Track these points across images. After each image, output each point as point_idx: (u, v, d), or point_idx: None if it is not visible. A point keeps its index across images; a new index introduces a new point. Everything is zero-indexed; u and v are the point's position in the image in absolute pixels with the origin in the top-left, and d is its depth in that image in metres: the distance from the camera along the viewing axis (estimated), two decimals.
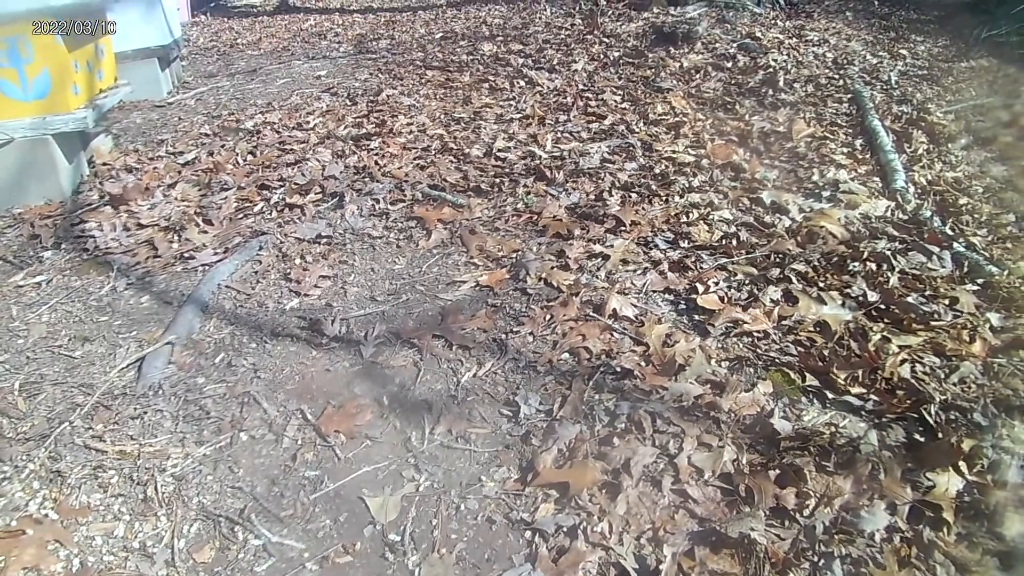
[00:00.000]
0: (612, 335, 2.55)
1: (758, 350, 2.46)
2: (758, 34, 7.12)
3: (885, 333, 2.50)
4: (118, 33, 4.79)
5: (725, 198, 3.52)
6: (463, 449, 2.14)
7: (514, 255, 3.09)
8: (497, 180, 3.79)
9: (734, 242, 3.09)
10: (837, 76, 5.74)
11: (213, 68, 7.17)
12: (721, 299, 2.70)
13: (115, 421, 2.28)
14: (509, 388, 2.35)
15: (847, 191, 3.56)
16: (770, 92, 5.21)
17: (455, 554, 1.83)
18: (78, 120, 3.74)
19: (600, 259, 3.01)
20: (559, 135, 4.47)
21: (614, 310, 2.64)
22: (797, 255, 2.95)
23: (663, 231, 3.22)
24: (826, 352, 2.41)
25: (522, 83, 5.71)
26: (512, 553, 1.82)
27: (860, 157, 4.06)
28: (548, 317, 2.65)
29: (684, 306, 2.73)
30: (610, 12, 8.45)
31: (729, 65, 6.03)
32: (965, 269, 2.90)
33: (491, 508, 1.95)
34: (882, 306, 2.64)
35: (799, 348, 2.46)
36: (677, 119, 4.65)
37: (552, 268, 2.95)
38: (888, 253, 2.94)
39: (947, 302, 2.68)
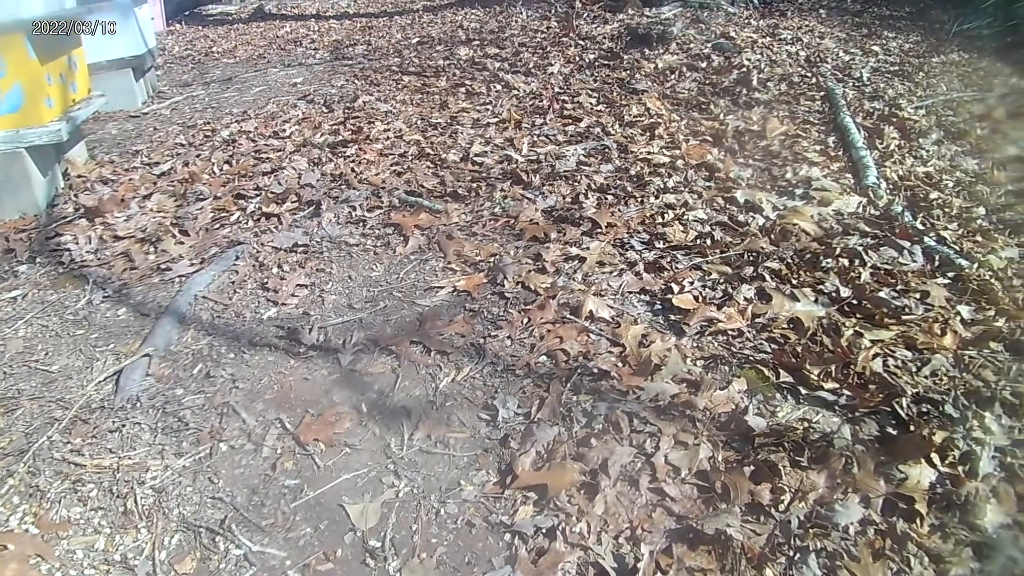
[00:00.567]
0: (589, 337, 2.57)
1: (732, 348, 2.49)
2: (732, 33, 7.19)
3: (857, 328, 2.53)
4: (92, 44, 4.78)
5: (700, 198, 3.55)
6: (442, 454, 2.15)
7: (491, 259, 3.11)
8: (474, 185, 3.81)
9: (708, 241, 3.12)
10: (810, 74, 5.80)
11: (188, 77, 7.15)
12: (696, 298, 2.73)
13: (93, 435, 2.27)
14: (487, 392, 2.37)
15: (820, 188, 3.60)
16: (744, 91, 5.26)
17: (435, 558, 1.84)
18: (52, 133, 3.72)
19: (577, 261, 3.04)
20: (535, 138, 4.49)
21: (591, 312, 2.66)
22: (771, 253, 2.98)
23: (638, 232, 3.25)
24: (799, 348, 2.44)
25: (498, 87, 5.73)
26: (492, 556, 1.84)
27: (833, 154, 4.11)
28: (526, 320, 2.67)
29: (660, 306, 2.75)
30: (585, 14, 8.48)
31: (703, 65, 6.08)
32: (936, 263, 2.95)
33: (471, 512, 1.96)
34: (854, 301, 2.68)
35: (773, 345, 2.49)
36: (652, 120, 4.68)
37: (529, 271, 2.97)
38: (860, 249, 2.98)
39: (918, 296, 2.72)
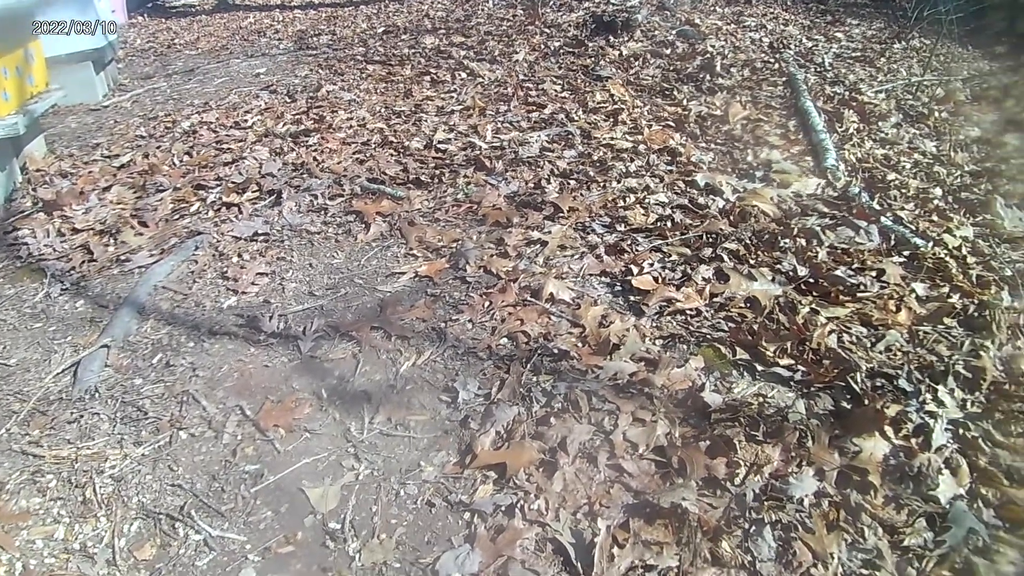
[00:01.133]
0: (550, 318, 2.58)
1: (691, 327, 2.52)
2: (697, 21, 7.23)
3: (813, 306, 2.57)
4: (50, 37, 4.70)
5: (661, 182, 3.57)
6: (402, 436, 2.15)
7: (454, 245, 3.11)
8: (437, 172, 3.80)
9: (669, 224, 3.15)
10: (773, 60, 5.85)
11: (150, 69, 7.04)
12: (655, 280, 2.75)
13: (52, 426, 2.25)
14: (448, 375, 2.37)
15: (780, 171, 3.65)
16: (707, 77, 5.29)
17: (395, 538, 1.85)
18: (8, 126, 3.66)
19: (538, 245, 3.05)
20: (499, 125, 4.49)
21: (551, 294, 2.68)
22: (729, 234, 3.01)
23: (600, 216, 3.26)
24: (756, 326, 2.47)
25: (463, 75, 5.72)
26: (451, 535, 1.85)
27: (793, 137, 4.16)
28: (487, 304, 2.68)
29: (620, 288, 2.77)
30: (552, 2, 8.48)
31: (668, 52, 6.10)
32: (892, 242, 3.00)
33: (430, 492, 1.97)
34: (811, 280, 2.71)
35: (730, 324, 2.52)
36: (616, 106, 4.70)
37: (491, 256, 2.98)
38: (817, 229, 3.02)
39: (874, 274, 2.77)
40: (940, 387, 2.21)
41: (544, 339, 2.47)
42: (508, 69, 5.84)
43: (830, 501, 1.87)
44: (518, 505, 1.88)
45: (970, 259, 2.88)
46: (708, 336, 2.46)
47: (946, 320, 2.54)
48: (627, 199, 3.38)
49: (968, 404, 2.18)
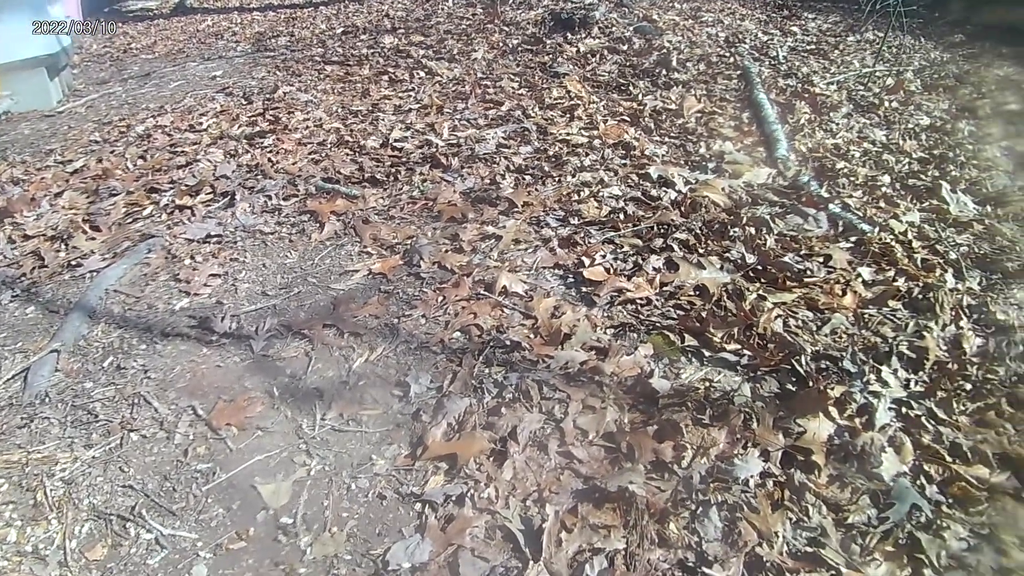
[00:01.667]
0: (503, 311, 2.61)
1: (641, 316, 2.55)
2: (655, 16, 7.28)
3: (761, 292, 2.61)
4: (1, 44, 4.64)
5: (615, 175, 3.61)
6: (354, 431, 2.16)
7: (408, 241, 3.12)
8: (393, 170, 3.80)
9: (621, 216, 3.18)
10: (728, 54, 5.91)
11: (106, 74, 6.95)
12: (607, 271, 2.78)
13: (1, 431, 2.24)
14: (401, 370, 2.39)
15: (732, 161, 3.70)
16: (663, 72, 5.33)
17: (346, 531, 1.86)
18: None
19: (493, 240, 3.07)
20: (456, 123, 4.49)
21: (504, 287, 2.70)
22: (680, 225, 3.05)
23: (554, 210, 3.29)
24: (704, 313, 2.51)
25: (422, 74, 5.72)
26: (402, 526, 1.86)
27: (746, 129, 4.21)
28: (441, 299, 2.69)
29: (572, 279, 2.80)
30: (511, 1, 8.50)
31: (625, 48, 6.14)
32: (840, 228, 3.05)
33: (382, 485, 1.98)
34: (759, 267, 2.76)
35: (679, 311, 2.56)
36: (572, 102, 4.72)
37: (446, 251, 3.00)
38: (767, 217, 3.06)
39: (821, 260, 2.82)
40: (884, 368, 2.26)
41: (497, 331, 2.49)
42: (466, 67, 5.85)
43: (775, 481, 1.90)
44: (468, 494, 1.89)
45: (916, 243, 2.93)
46: (657, 324, 2.50)
47: (891, 303, 2.60)
48: (581, 193, 3.41)
49: (912, 384, 2.23)
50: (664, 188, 3.42)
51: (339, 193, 3.56)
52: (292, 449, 2.12)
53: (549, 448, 2.01)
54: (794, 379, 2.23)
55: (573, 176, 3.61)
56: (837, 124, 4.37)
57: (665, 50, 5.91)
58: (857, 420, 2.08)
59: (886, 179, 3.57)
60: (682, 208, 3.20)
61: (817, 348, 2.34)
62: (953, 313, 2.54)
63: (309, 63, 6.45)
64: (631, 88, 5.04)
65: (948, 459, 1.96)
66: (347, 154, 4.07)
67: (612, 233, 3.05)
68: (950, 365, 2.29)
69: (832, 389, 2.14)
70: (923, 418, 2.09)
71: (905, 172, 3.69)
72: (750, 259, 2.79)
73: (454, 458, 2.00)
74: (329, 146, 4.22)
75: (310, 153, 4.11)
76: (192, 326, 2.68)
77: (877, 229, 3.00)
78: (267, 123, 4.65)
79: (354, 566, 1.78)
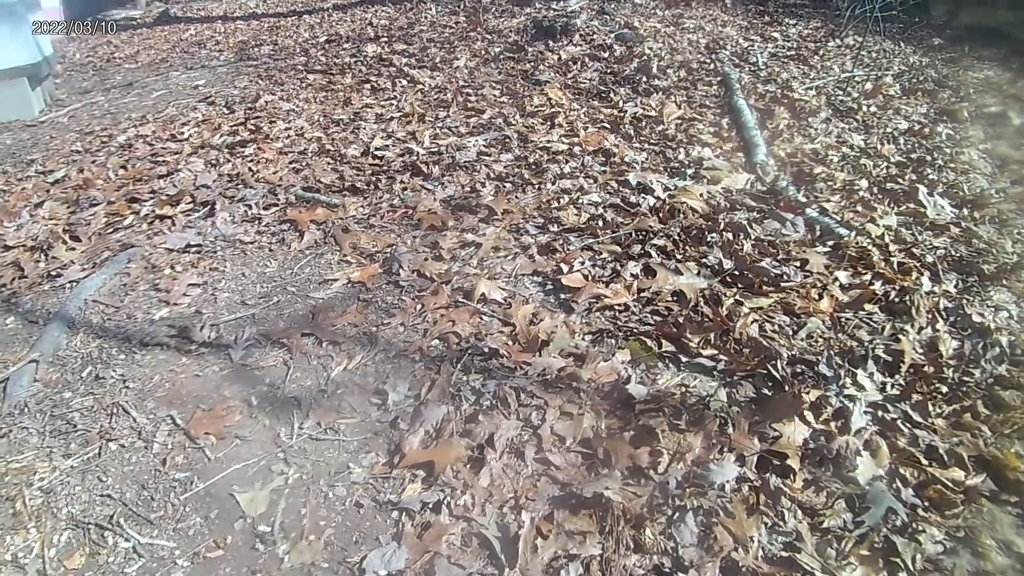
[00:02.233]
0: (481, 319, 2.61)
1: (618, 322, 2.57)
2: (636, 24, 7.32)
3: (738, 297, 2.63)
4: None
5: (595, 182, 3.63)
6: (332, 440, 2.16)
7: (388, 250, 3.12)
8: (374, 178, 3.81)
9: (600, 223, 3.19)
10: (709, 60, 5.96)
11: (88, 84, 6.92)
12: (585, 277, 2.79)
13: None
14: (379, 378, 2.39)
15: (711, 167, 3.72)
16: (644, 79, 5.36)
17: (323, 539, 1.86)
18: None
19: (473, 248, 3.08)
20: (438, 131, 4.51)
21: (483, 294, 2.70)
22: (658, 231, 3.07)
23: (534, 217, 3.30)
24: (681, 319, 2.52)
25: (404, 82, 5.73)
26: (379, 533, 1.86)
27: (726, 135, 4.24)
28: (419, 307, 2.70)
29: (551, 286, 2.81)
30: (493, 9, 8.53)
31: (606, 55, 6.17)
32: (817, 233, 3.08)
33: (359, 493, 1.98)
34: (736, 272, 2.78)
35: (656, 317, 2.57)
36: (553, 110, 4.75)
37: (425, 259, 3.00)
38: (744, 223, 3.09)
39: (798, 264, 2.84)
40: (859, 371, 2.28)
41: (475, 339, 2.50)
42: (449, 75, 5.87)
43: (750, 486, 1.91)
44: (445, 502, 1.90)
45: (893, 247, 2.96)
46: (635, 330, 2.51)
47: (867, 306, 2.62)
48: (561, 200, 3.43)
49: (888, 387, 2.25)
50: (643, 195, 3.43)
51: (319, 202, 3.56)
52: (270, 458, 2.11)
53: (526, 455, 2.02)
54: (770, 383, 2.24)
55: (553, 183, 3.63)
56: (816, 129, 4.41)
57: (646, 57, 5.95)
58: (833, 424, 2.09)
59: (864, 183, 3.61)
60: (660, 214, 3.22)
61: (793, 352, 2.36)
62: (929, 316, 2.56)
63: (291, 72, 6.45)
64: (612, 95, 5.07)
65: (924, 462, 1.98)
66: (328, 163, 4.08)
67: (591, 240, 3.06)
68: (926, 368, 2.31)
69: (808, 393, 2.15)
70: (899, 421, 2.11)
71: (883, 176, 3.73)
72: (727, 264, 2.81)
73: (431, 466, 2.00)
74: (310, 155, 4.22)
75: (291, 162, 4.11)
76: (171, 336, 2.68)
77: (854, 233, 3.03)
78: (248, 132, 4.65)
79: (331, 573, 1.78)
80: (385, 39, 7.56)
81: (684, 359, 2.35)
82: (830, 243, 3.00)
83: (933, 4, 7.76)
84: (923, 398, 2.19)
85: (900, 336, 2.44)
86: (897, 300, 2.64)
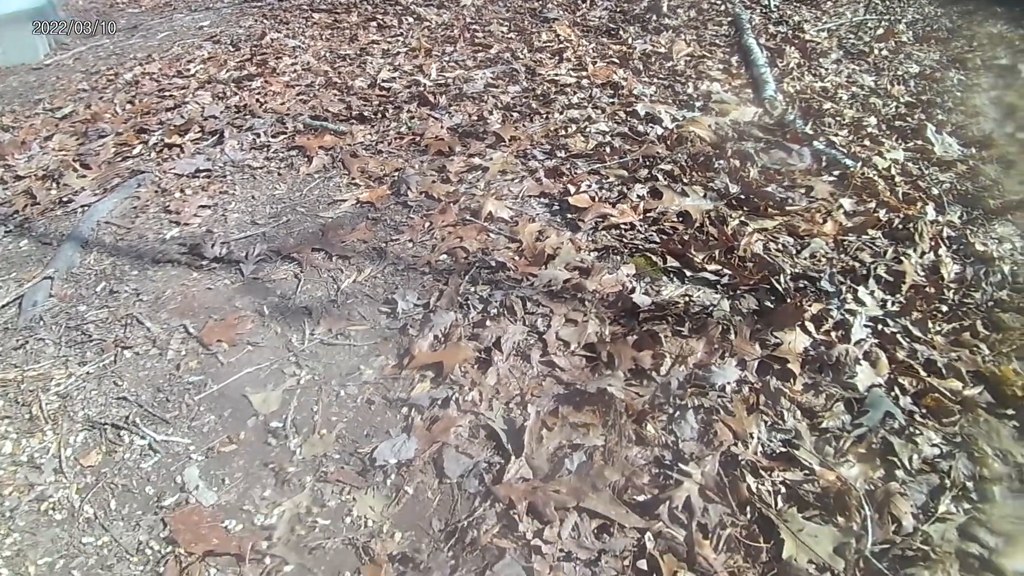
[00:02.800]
0: (488, 235, 2.64)
1: (624, 239, 2.60)
2: None
3: (743, 218, 2.66)
4: None
5: (603, 113, 3.63)
6: (343, 345, 2.21)
7: (396, 173, 3.14)
8: (381, 108, 3.81)
9: (608, 150, 3.21)
10: (720, 2, 5.89)
11: (91, 28, 6.88)
12: (592, 198, 2.82)
13: None
14: (388, 289, 2.43)
15: (719, 101, 3.71)
16: (654, 18, 5.32)
17: (335, 433, 1.92)
18: None
19: (480, 171, 3.10)
20: (444, 64, 4.49)
21: (490, 213, 2.73)
22: (665, 157, 3.09)
23: (541, 144, 3.31)
24: (686, 237, 2.55)
25: (410, 19, 5.68)
26: (389, 427, 1.92)
27: (735, 72, 4.22)
28: (427, 224, 2.73)
29: (557, 207, 2.84)
30: None
31: None
32: (823, 163, 3.08)
33: (370, 392, 2.04)
34: (742, 196, 2.80)
35: (662, 235, 2.60)
36: (561, 45, 4.72)
37: (433, 182, 3.03)
38: (751, 151, 3.09)
39: (803, 191, 2.86)
40: (861, 288, 2.31)
41: (482, 253, 2.53)
42: (455, 13, 5.82)
43: (751, 387, 1.96)
44: (453, 398, 1.96)
45: (898, 179, 2.97)
46: (640, 247, 2.54)
47: (871, 231, 2.64)
48: (568, 129, 3.44)
49: (888, 304, 2.28)
50: (651, 124, 3.44)
51: (327, 130, 3.57)
52: (282, 361, 2.17)
53: (532, 357, 2.07)
54: (772, 297, 2.27)
55: (561, 113, 3.63)
56: (826, 69, 4.37)
57: None
58: (833, 334, 2.13)
59: (872, 120, 3.59)
60: (668, 142, 3.23)
61: (796, 269, 2.39)
62: (932, 242, 2.58)
63: (296, 11, 6.39)
64: (621, 32, 5.03)
65: (922, 373, 2.01)
66: (335, 94, 4.07)
67: (598, 165, 3.08)
68: (927, 288, 2.34)
69: (810, 306, 2.19)
70: (898, 335, 2.15)
71: (892, 114, 3.71)
72: (733, 189, 2.83)
73: (440, 366, 2.05)
74: (317, 87, 4.22)
75: (298, 94, 4.11)
76: (183, 253, 2.72)
77: (860, 164, 3.03)
78: (255, 67, 4.63)
79: (342, 464, 1.84)
80: None
81: (688, 273, 2.39)
82: (836, 173, 3.01)
83: None
84: (923, 316, 2.22)
85: (902, 259, 2.46)
86: (901, 227, 2.66)
